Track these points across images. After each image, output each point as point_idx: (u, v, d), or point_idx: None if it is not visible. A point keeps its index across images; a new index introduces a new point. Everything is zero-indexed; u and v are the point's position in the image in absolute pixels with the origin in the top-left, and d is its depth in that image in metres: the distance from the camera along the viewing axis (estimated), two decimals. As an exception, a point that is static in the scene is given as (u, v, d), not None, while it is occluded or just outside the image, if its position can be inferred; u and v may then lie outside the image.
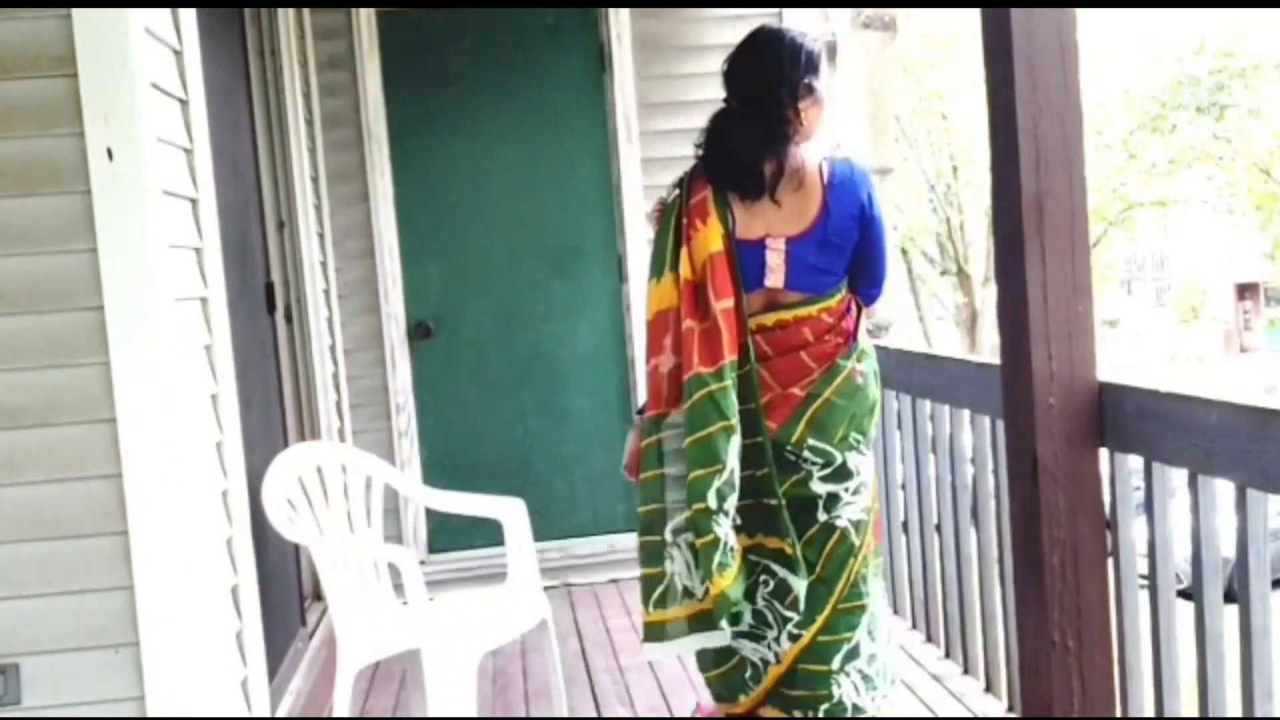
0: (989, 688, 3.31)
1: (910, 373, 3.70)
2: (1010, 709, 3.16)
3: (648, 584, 2.61)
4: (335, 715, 2.87)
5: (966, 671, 3.44)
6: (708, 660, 2.79)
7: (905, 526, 3.86)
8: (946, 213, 17.71)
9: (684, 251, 2.55)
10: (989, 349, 14.83)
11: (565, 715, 3.28)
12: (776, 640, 2.65)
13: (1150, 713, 2.48)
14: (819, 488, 2.61)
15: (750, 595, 2.62)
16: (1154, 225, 25.90)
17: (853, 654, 2.64)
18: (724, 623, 2.55)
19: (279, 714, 3.07)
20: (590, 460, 4.87)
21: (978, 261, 17.07)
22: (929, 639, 3.71)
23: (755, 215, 2.57)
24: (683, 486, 2.53)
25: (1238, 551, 2.11)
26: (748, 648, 2.69)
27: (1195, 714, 2.29)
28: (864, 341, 2.68)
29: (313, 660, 3.62)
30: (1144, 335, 31.27)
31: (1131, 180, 17.77)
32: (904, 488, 3.84)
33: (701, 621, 2.58)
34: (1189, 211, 22.44)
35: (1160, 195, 18.55)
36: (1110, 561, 2.51)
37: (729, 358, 2.51)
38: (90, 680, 2.07)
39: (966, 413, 3.32)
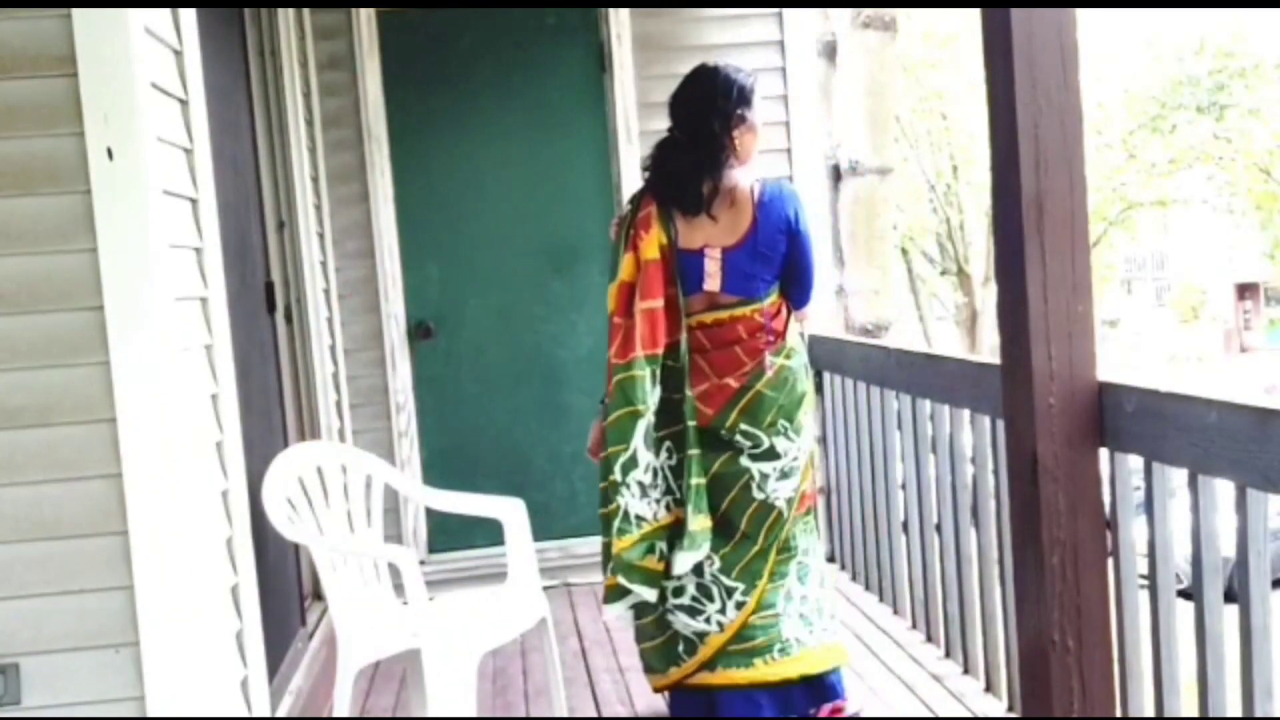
0: (989, 688, 3.31)
1: (910, 373, 3.70)
2: (1010, 709, 3.16)
3: (606, 551, 2.94)
4: (335, 715, 2.87)
5: (966, 671, 3.44)
6: (644, 634, 3.10)
7: (905, 526, 3.86)
8: (946, 213, 17.67)
9: (629, 257, 2.95)
10: (989, 349, 14.81)
11: (565, 715, 3.28)
12: (721, 611, 2.96)
13: (1150, 713, 2.48)
14: (749, 464, 2.95)
15: (698, 570, 2.95)
16: (1154, 225, 25.89)
17: (788, 596, 3.01)
18: (641, 584, 2.88)
19: (279, 714, 3.07)
20: (590, 460, 4.86)
21: (978, 261, 17.03)
22: (929, 639, 3.71)
23: (695, 228, 2.94)
24: None
25: (1238, 551, 2.11)
26: (681, 622, 2.99)
27: (1195, 714, 2.29)
28: (793, 340, 3.04)
29: (313, 660, 3.62)
30: (1144, 335, 31.22)
31: (1131, 180, 17.72)
32: (904, 488, 3.84)
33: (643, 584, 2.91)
34: (1189, 211, 22.41)
35: (1160, 195, 18.51)
36: (1110, 561, 2.51)
37: (641, 352, 2.87)
38: (90, 680, 2.07)
39: (966, 413, 3.32)
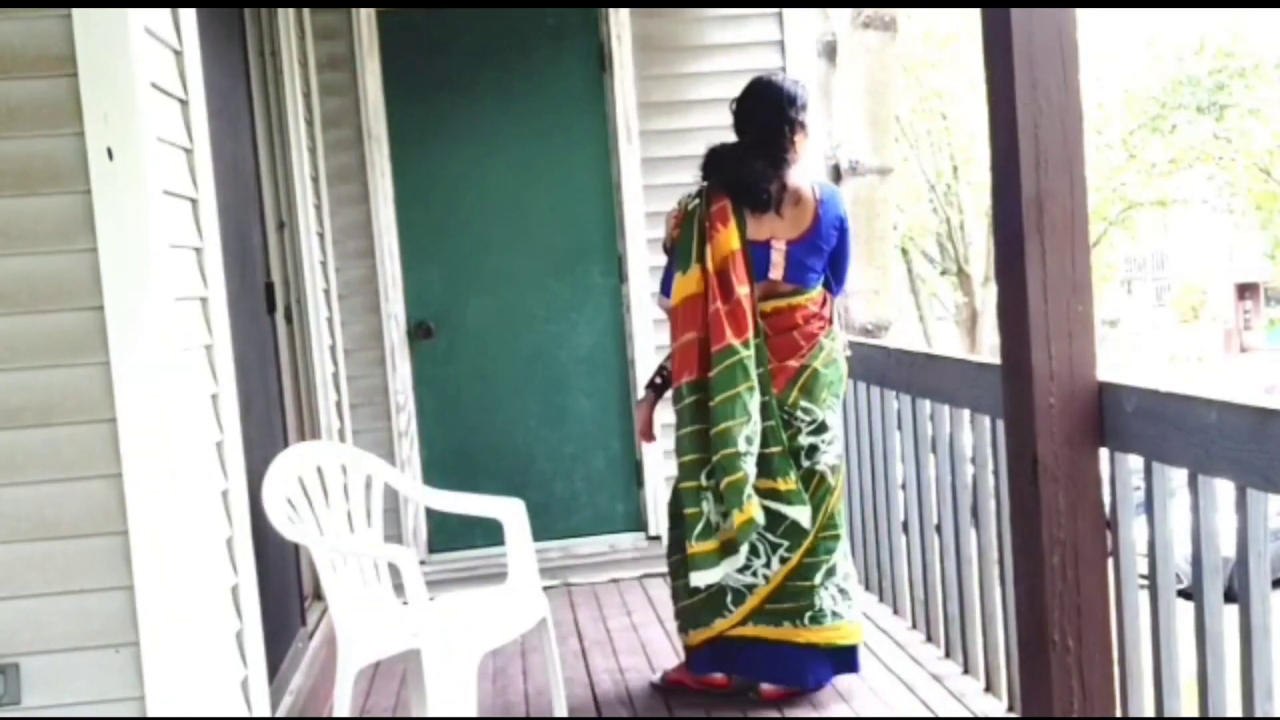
0: (989, 688, 3.31)
1: (910, 373, 3.70)
2: (1010, 709, 3.16)
3: (691, 522, 3.23)
4: (335, 715, 2.87)
5: (966, 671, 3.44)
6: (683, 593, 3.37)
7: (905, 526, 3.86)
8: (946, 213, 17.66)
9: (708, 249, 3.23)
10: (989, 349, 14.81)
11: (565, 715, 3.29)
12: (766, 565, 3.27)
13: (1150, 713, 2.48)
14: (805, 440, 3.28)
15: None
16: (1154, 225, 25.85)
17: (831, 572, 3.31)
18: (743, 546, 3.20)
19: (279, 714, 3.07)
20: (590, 460, 4.87)
21: (978, 261, 17.03)
22: (929, 639, 3.72)
23: (763, 223, 3.26)
24: (711, 440, 3.19)
25: (1238, 551, 2.11)
26: (733, 576, 3.29)
27: (1195, 714, 2.29)
28: (837, 324, 3.42)
29: (313, 660, 3.62)
30: (1144, 335, 31.22)
31: (1131, 180, 17.71)
32: (904, 488, 3.84)
33: (727, 548, 3.22)
34: (1189, 211, 22.39)
35: (1160, 195, 18.48)
36: (1110, 561, 2.51)
37: (749, 333, 3.19)
38: (90, 680, 2.07)
39: (966, 413, 3.32)
